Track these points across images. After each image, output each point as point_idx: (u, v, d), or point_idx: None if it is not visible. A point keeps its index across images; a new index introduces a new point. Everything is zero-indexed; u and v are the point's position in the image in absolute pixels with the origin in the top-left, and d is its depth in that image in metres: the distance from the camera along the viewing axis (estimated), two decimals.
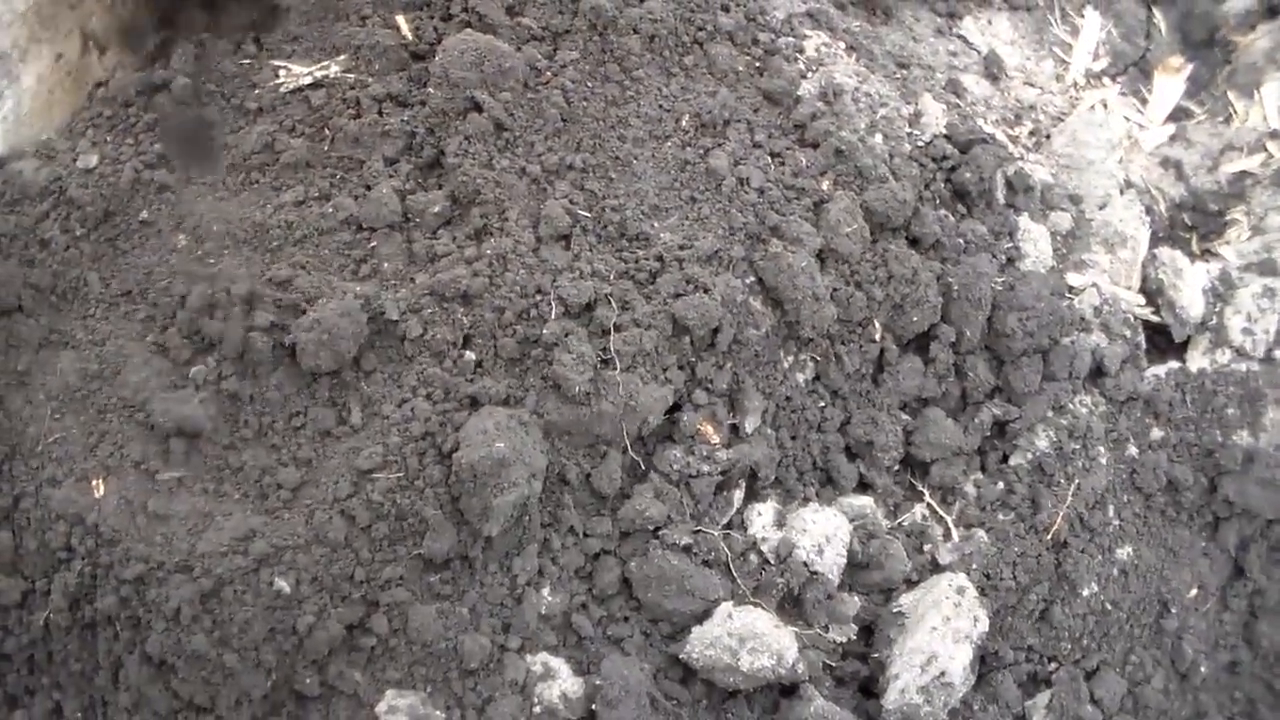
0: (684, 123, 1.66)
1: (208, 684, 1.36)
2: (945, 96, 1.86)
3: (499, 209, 1.54)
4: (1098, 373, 1.78)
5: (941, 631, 1.53)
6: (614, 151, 1.62)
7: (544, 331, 1.47)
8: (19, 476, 1.42)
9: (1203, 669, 1.75)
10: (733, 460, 1.55)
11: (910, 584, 1.63)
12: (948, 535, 1.67)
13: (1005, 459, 1.74)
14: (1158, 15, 2.17)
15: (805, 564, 1.53)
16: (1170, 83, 2.06)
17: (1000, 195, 1.79)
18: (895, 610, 1.59)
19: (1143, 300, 1.85)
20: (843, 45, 1.81)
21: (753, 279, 1.58)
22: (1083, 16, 2.11)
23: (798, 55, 1.76)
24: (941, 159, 1.75)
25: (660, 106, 1.66)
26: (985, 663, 1.64)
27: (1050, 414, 1.74)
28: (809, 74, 1.74)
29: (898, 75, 1.84)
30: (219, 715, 1.38)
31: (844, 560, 1.57)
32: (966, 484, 1.71)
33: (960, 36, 2.02)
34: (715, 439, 1.55)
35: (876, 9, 1.97)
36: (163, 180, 1.53)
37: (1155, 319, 1.85)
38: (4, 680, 1.42)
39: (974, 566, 1.64)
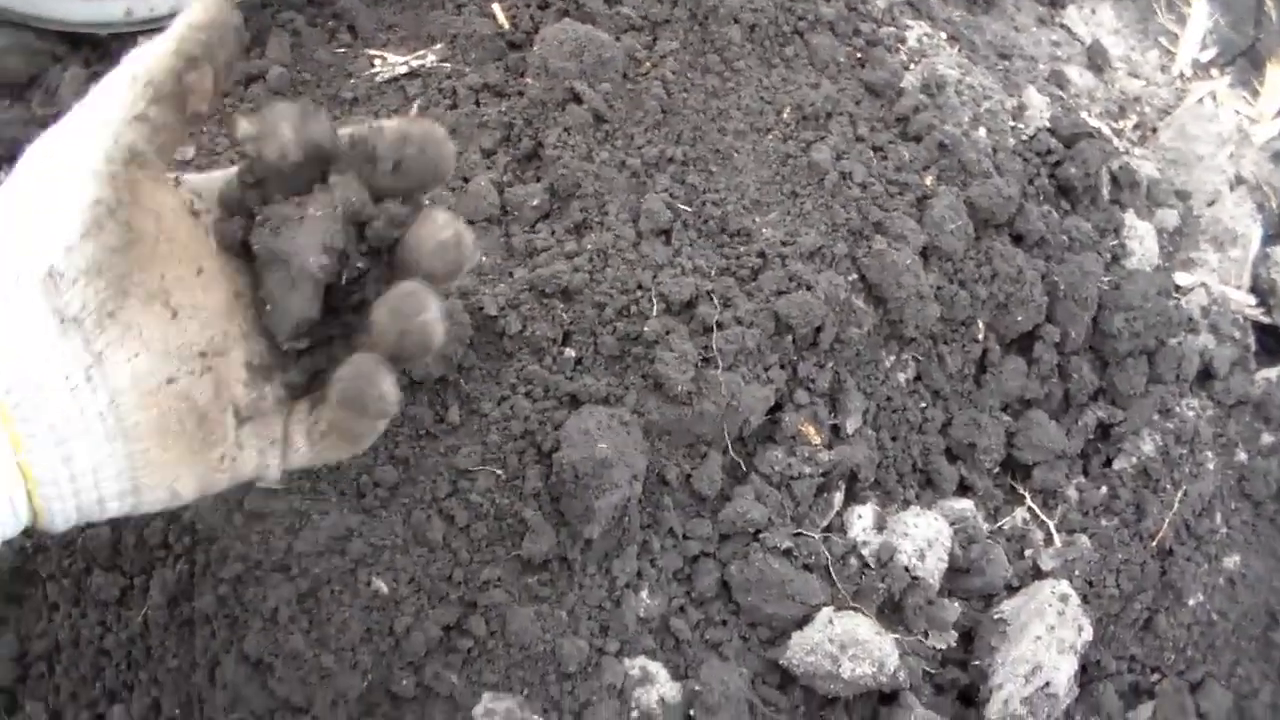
0: (785, 115, 1.62)
1: (304, 684, 1.35)
2: (1048, 88, 1.81)
3: (599, 203, 1.51)
4: (1206, 375, 1.73)
5: (1046, 641, 1.50)
6: (714, 144, 1.58)
7: (645, 329, 1.44)
8: None
9: None
10: (834, 461, 1.52)
11: (1011, 590, 1.59)
12: (1049, 540, 1.63)
13: (1109, 463, 1.69)
14: (1269, 2, 2.10)
15: (907, 569, 1.50)
16: None
17: (1105, 191, 1.74)
18: (996, 617, 1.55)
19: (1254, 300, 1.79)
20: (944, 35, 1.77)
21: (855, 276, 1.55)
22: (1189, 4, 2.05)
23: (899, 46, 1.72)
24: (1046, 153, 1.70)
25: (761, 98, 1.62)
26: (1086, 672, 1.60)
27: (1156, 417, 1.69)
28: (911, 65, 1.70)
29: (1000, 66, 1.79)
30: (315, 715, 1.37)
31: (945, 565, 1.54)
32: (1069, 488, 1.67)
33: (1063, 26, 1.97)
34: (817, 440, 1.51)
35: None
36: None
37: (1266, 320, 1.80)
38: (103, 675, 1.41)
39: (1076, 573, 1.60)
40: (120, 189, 0.82)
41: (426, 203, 1.02)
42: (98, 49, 1.65)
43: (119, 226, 0.81)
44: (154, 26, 1.59)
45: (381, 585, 1.36)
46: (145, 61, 0.86)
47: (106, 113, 0.83)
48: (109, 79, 0.87)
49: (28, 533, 0.83)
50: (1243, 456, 1.71)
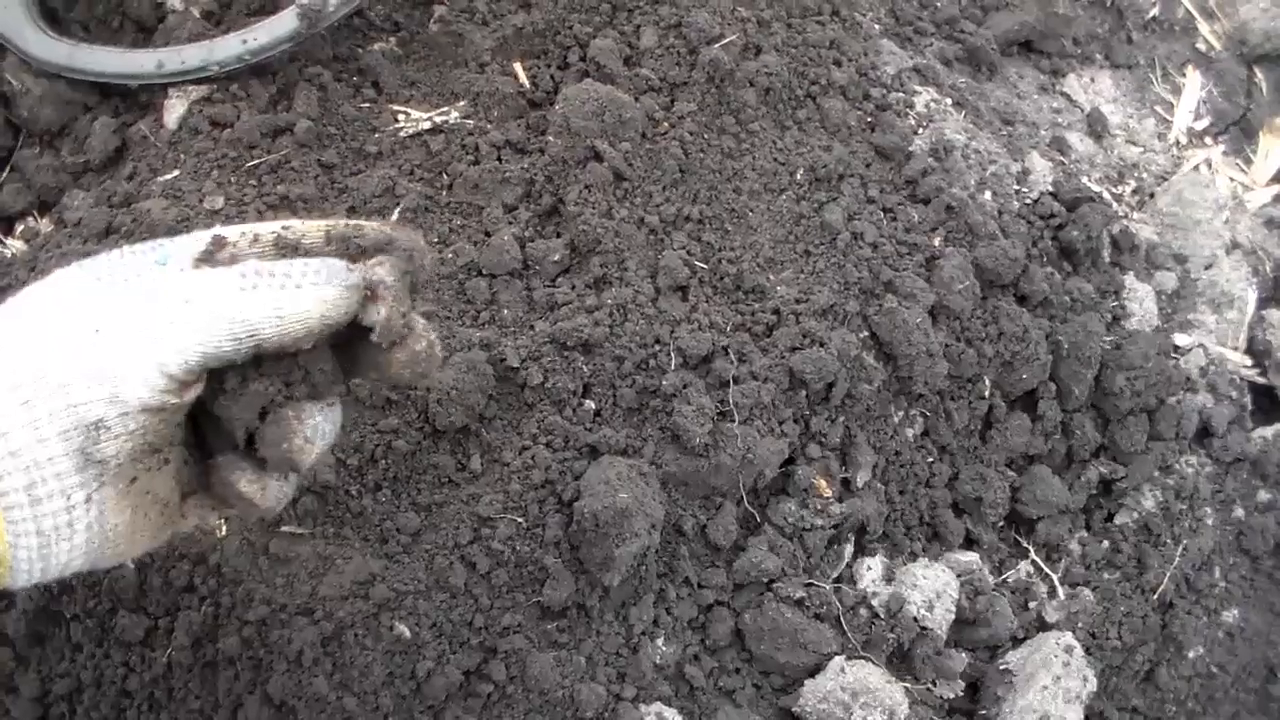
0: (798, 176, 1.67)
1: None
2: (1050, 154, 1.86)
3: (618, 258, 1.55)
4: (1204, 433, 1.78)
5: (1052, 691, 1.53)
6: (730, 204, 1.63)
7: (663, 382, 1.48)
8: None
9: None
10: (845, 514, 1.55)
11: (1016, 641, 1.62)
12: (1053, 593, 1.67)
13: (1110, 518, 1.73)
14: (1259, 75, 2.16)
15: (916, 619, 1.53)
16: (1276, 144, 2.06)
17: (1106, 254, 1.79)
18: (1002, 668, 1.58)
19: (1249, 361, 1.85)
20: (950, 101, 1.82)
21: (866, 334, 1.59)
22: (1184, 76, 2.12)
23: (908, 111, 1.77)
24: (1049, 216, 1.75)
25: (775, 159, 1.67)
26: None
27: (1157, 474, 1.74)
28: (920, 130, 1.75)
29: (1004, 132, 1.85)
30: None
31: (952, 616, 1.57)
32: (1071, 542, 1.71)
33: (1063, 94, 2.03)
34: (828, 492, 1.55)
35: (981, 65, 1.97)
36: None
37: (1262, 380, 1.84)
38: (125, 716, 1.42)
39: (1080, 625, 1.63)
40: (188, 386, 0.86)
41: None
42: (127, 99, 1.68)
43: (181, 405, 0.87)
44: (184, 79, 1.62)
45: (404, 630, 1.38)
46: (263, 320, 0.87)
47: (203, 330, 0.85)
48: (228, 290, 0.87)
49: None
50: (1240, 512, 1.75)
